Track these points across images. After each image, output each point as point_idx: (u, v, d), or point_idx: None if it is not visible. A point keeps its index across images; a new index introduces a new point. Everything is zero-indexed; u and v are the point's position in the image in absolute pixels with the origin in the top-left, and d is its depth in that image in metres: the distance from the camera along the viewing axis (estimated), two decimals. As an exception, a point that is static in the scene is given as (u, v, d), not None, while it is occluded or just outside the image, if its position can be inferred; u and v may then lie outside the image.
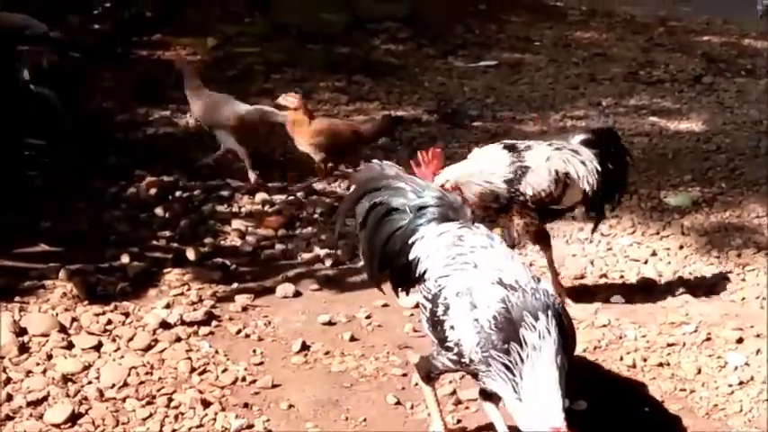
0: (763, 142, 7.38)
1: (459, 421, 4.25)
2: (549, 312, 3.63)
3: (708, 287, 5.39)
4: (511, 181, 4.83)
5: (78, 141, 6.81)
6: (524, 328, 3.60)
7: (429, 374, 4.00)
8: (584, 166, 4.94)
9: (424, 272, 3.92)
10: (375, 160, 4.31)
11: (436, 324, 3.80)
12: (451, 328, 3.74)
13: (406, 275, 4.02)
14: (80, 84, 7.54)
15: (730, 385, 4.50)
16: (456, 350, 3.73)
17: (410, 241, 3.99)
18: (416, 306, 4.84)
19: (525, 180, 4.83)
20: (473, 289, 3.74)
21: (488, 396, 3.96)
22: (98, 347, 4.64)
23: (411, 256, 3.97)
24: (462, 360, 3.72)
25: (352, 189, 4.29)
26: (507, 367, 3.61)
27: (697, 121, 7.84)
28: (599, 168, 4.97)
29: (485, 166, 4.86)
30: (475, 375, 3.76)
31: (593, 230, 5.54)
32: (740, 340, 4.82)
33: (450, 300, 3.77)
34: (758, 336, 4.86)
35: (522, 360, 3.58)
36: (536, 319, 3.61)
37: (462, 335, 3.70)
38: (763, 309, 5.18)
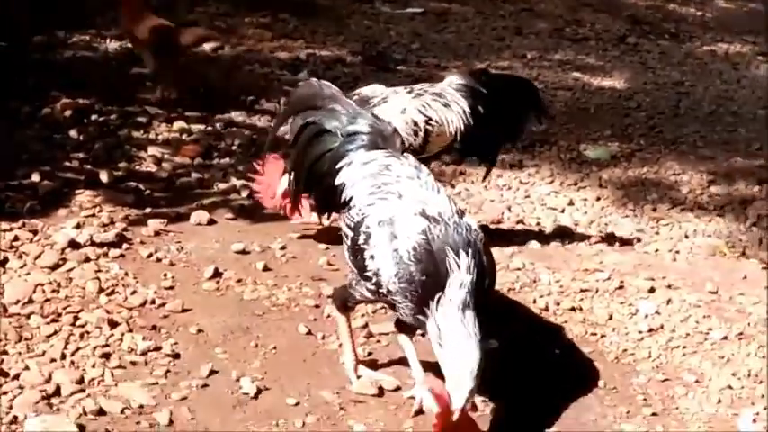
0: (682, 103, 7.45)
1: (369, 354, 4.22)
2: (470, 248, 3.61)
3: (622, 238, 5.43)
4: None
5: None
6: (444, 262, 3.59)
7: (345, 304, 3.98)
8: (447, 109, 4.87)
9: (349, 199, 3.88)
10: (314, 79, 4.25)
11: (356, 252, 3.77)
12: (371, 257, 3.72)
13: (329, 199, 3.97)
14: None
15: (640, 332, 4.53)
16: (374, 280, 3.71)
17: (337, 166, 3.95)
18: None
19: None
20: (395, 219, 3.72)
21: (403, 328, 3.94)
22: (3, 263, 4.52)
23: (337, 182, 3.93)
24: (380, 290, 3.70)
25: (287, 103, 4.23)
26: (423, 300, 3.59)
27: (619, 79, 7.87)
28: (469, 109, 4.91)
29: None
30: (392, 306, 3.73)
31: (485, 178, 5.49)
32: (652, 290, 4.85)
33: (371, 229, 3.74)
34: (669, 286, 4.90)
35: (440, 295, 3.57)
36: (457, 254, 3.59)
37: (381, 264, 3.67)
38: (676, 261, 5.23)
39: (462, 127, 4.89)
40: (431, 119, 4.82)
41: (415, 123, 4.82)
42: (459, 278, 3.57)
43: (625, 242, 5.38)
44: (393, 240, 3.68)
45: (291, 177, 4.15)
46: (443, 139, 4.90)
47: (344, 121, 4.01)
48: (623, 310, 4.69)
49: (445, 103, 4.87)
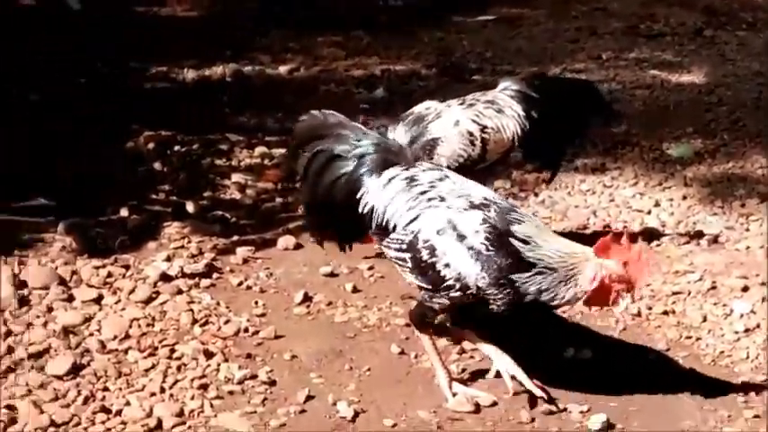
0: (764, 94, 7.31)
1: (463, 370, 4.22)
2: (526, 216, 3.78)
3: (712, 237, 5.35)
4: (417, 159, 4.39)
5: (75, 97, 6.75)
6: (513, 237, 3.68)
7: (424, 321, 4.00)
8: (501, 114, 4.84)
9: (386, 223, 3.89)
10: (315, 110, 4.25)
11: (426, 269, 3.79)
12: (446, 266, 3.75)
13: (353, 228, 4.01)
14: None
15: (736, 332, 4.48)
16: (458, 285, 3.73)
17: (358, 195, 3.96)
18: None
19: (436, 153, 4.71)
20: (452, 220, 3.75)
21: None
22: (98, 300, 4.60)
23: (363, 209, 3.94)
24: (468, 293, 3.72)
25: (293, 138, 4.24)
26: (513, 282, 3.69)
27: (698, 73, 7.76)
28: (524, 113, 4.86)
29: None
30: (485, 303, 3.74)
31: (549, 182, 5.46)
32: (745, 288, 4.79)
33: (432, 240, 3.77)
34: (763, 284, 4.83)
35: (528, 268, 3.69)
36: (520, 222, 3.73)
37: (462, 268, 3.71)
38: (768, 258, 5.16)
39: (519, 131, 4.87)
40: (486, 126, 4.79)
41: (471, 134, 4.80)
42: (531, 247, 3.68)
43: (715, 241, 5.31)
44: (463, 241, 3.71)
45: (307, 212, 4.18)
46: (501, 145, 4.86)
47: (352, 144, 4.02)
48: (717, 311, 4.64)
49: (499, 110, 4.85)
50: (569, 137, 5.17)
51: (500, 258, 3.68)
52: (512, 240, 3.69)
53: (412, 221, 3.82)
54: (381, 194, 3.91)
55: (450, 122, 4.80)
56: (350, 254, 4.98)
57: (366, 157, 3.99)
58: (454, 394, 4.02)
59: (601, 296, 3.81)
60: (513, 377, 3.95)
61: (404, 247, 3.84)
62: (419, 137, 4.73)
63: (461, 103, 4.87)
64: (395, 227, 3.87)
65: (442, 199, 3.82)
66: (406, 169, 3.96)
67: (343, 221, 4.04)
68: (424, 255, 3.78)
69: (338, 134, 4.06)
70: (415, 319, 4.03)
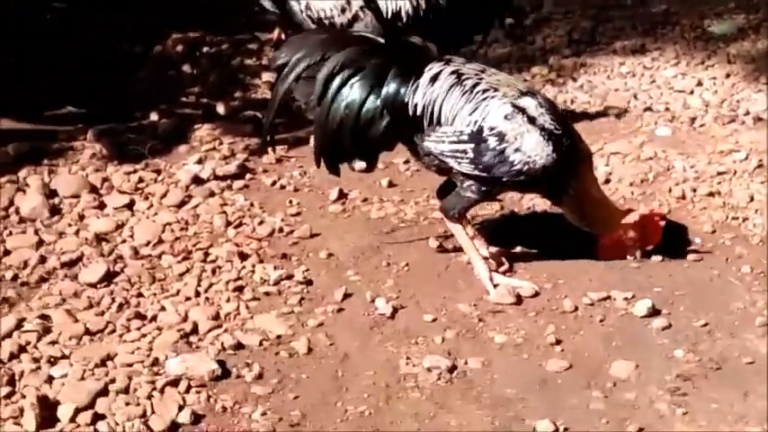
0: (809, -35, 7.08)
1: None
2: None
3: (757, 114, 5.19)
4: None
5: (100, 3, 6.63)
6: (566, 120, 3.89)
7: (464, 212, 3.94)
8: None
9: (441, 120, 3.80)
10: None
11: (493, 157, 3.76)
12: (516, 150, 3.77)
13: (384, 140, 3.89)
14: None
15: (785, 210, 4.35)
16: (526, 168, 3.77)
17: (400, 99, 3.82)
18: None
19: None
20: (519, 105, 3.76)
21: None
22: (130, 206, 4.55)
23: (413, 108, 3.81)
24: (536, 177, 3.80)
25: (287, 61, 3.90)
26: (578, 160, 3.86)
27: (740, -55, 7.52)
28: None
29: None
30: (544, 189, 3.95)
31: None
32: (793, 164, 4.65)
33: (500, 126, 3.75)
34: (811, 159, 4.68)
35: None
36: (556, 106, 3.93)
37: (533, 151, 3.77)
38: (817, 132, 4.99)
39: (411, 10, 4.73)
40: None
41: (348, 2, 4.73)
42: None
43: (760, 118, 5.14)
44: (532, 124, 3.75)
45: (328, 138, 3.90)
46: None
47: (360, 50, 3.86)
48: (764, 190, 4.49)
49: None
50: (475, 26, 5.00)
51: (566, 138, 3.80)
52: (568, 124, 3.86)
53: (474, 111, 3.78)
54: (431, 91, 3.81)
55: None
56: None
57: (395, 61, 3.84)
58: (495, 286, 3.92)
59: (615, 250, 4.04)
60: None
61: (464, 138, 3.79)
62: None
63: None
64: (452, 121, 3.80)
65: (496, 89, 3.80)
66: (446, 63, 3.85)
67: (372, 136, 3.87)
68: (492, 143, 3.76)
69: (345, 46, 3.87)
70: (453, 211, 3.92)
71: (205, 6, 6.70)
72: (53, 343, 3.68)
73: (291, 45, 3.99)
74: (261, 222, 4.42)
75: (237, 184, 4.71)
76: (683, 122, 5.14)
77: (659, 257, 4.07)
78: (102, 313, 3.85)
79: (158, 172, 4.80)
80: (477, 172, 3.82)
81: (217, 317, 3.83)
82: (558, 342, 3.66)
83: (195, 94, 5.63)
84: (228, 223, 4.42)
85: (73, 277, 4.06)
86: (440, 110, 3.81)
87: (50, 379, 3.48)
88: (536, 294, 3.90)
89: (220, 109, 5.38)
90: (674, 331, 3.70)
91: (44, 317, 3.81)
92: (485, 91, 3.79)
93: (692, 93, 5.45)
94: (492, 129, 3.76)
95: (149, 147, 5.01)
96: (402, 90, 3.81)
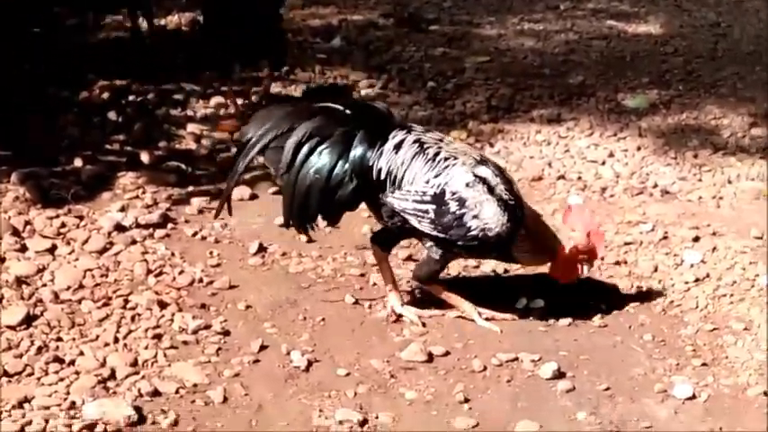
0: (720, 45, 7.36)
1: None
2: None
3: (665, 188, 5.39)
4: None
5: (29, 47, 6.67)
6: (515, 188, 4.12)
7: (436, 274, 4.17)
8: None
9: (400, 180, 4.01)
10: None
11: (452, 221, 3.98)
12: (474, 217, 3.98)
13: (349, 202, 4.10)
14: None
15: (686, 282, 4.53)
16: (481, 235, 4.00)
17: (364, 165, 4.03)
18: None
19: None
20: (479, 174, 3.99)
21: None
22: (52, 250, 4.59)
23: (377, 172, 4.01)
24: (489, 242, 4.03)
25: (252, 135, 4.13)
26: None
27: (655, 24, 7.79)
28: None
29: None
30: (501, 254, 4.17)
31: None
32: (696, 239, 4.85)
33: (461, 192, 3.97)
34: (714, 234, 4.89)
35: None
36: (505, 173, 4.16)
37: (489, 218, 3.99)
38: (719, 208, 5.20)
39: None
40: None
41: None
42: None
43: (667, 192, 5.35)
44: (490, 193, 3.98)
45: (295, 203, 4.09)
46: None
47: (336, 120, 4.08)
48: (668, 261, 4.69)
49: None
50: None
51: (518, 208, 4.04)
52: (516, 191, 4.09)
53: (437, 176, 3.99)
54: (396, 158, 4.02)
55: None
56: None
57: (360, 129, 4.05)
58: (487, 319, 4.19)
59: (567, 268, 4.24)
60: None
61: (427, 199, 3.99)
62: None
63: None
64: (414, 181, 4.01)
65: (455, 157, 4.02)
66: (408, 132, 4.08)
67: (339, 198, 4.06)
68: (453, 206, 3.97)
69: (311, 117, 4.07)
70: (424, 276, 4.17)
71: (132, 55, 6.79)
72: (-30, 383, 3.72)
73: (258, 119, 4.20)
74: (181, 272, 4.50)
75: (159, 233, 4.78)
76: (595, 192, 5.32)
77: (566, 322, 4.24)
78: (21, 355, 3.90)
79: (81, 218, 4.85)
80: (435, 233, 4.02)
81: (135, 363, 3.90)
82: (467, 400, 3.79)
83: (120, 141, 5.66)
84: (149, 271, 4.48)
85: (-8, 319, 4.11)
86: (403, 175, 4.01)
87: (-33, 419, 3.53)
88: (447, 353, 4.03)
89: (144, 158, 5.43)
90: (577, 394, 3.86)
91: (-38, 357, 3.85)
92: (446, 159, 4.00)
93: (603, 163, 5.64)
94: (453, 193, 3.98)
95: (73, 192, 5.05)
96: (368, 155, 4.02)
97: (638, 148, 5.83)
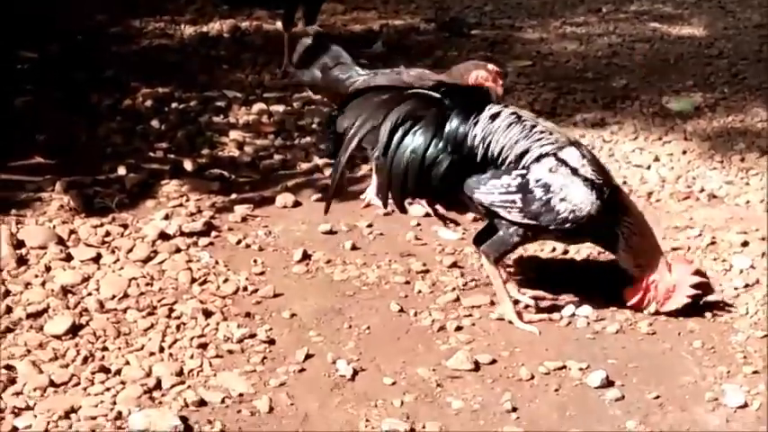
0: (765, 46, 7.27)
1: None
2: None
3: (712, 192, 5.33)
4: None
5: (72, 55, 6.72)
6: (608, 173, 4.22)
7: (503, 255, 4.22)
8: None
9: (495, 153, 4.09)
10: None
11: (540, 206, 4.06)
12: (562, 200, 4.05)
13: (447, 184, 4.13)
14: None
15: (736, 288, 4.48)
16: (572, 217, 4.06)
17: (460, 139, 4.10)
18: (426, 215, 4.93)
19: None
20: (561, 156, 4.08)
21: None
22: (97, 259, 4.60)
23: (472, 141, 4.09)
24: (582, 222, 4.07)
25: (352, 123, 4.20)
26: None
27: (698, 26, 7.72)
28: None
29: None
30: (590, 237, 4.24)
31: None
32: (745, 243, 4.78)
33: (545, 177, 4.06)
34: (763, 239, 4.82)
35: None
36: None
37: (578, 200, 4.05)
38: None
39: None
40: None
41: None
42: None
43: (714, 196, 5.29)
44: (576, 175, 4.04)
45: (396, 182, 4.16)
46: None
47: (420, 103, 4.13)
48: (717, 267, 4.63)
49: None
50: None
51: (606, 187, 4.10)
52: (606, 170, 4.20)
53: (523, 155, 4.06)
54: (490, 126, 4.09)
55: None
56: (348, 211, 5.04)
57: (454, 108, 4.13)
58: (527, 322, 4.19)
59: (641, 297, 4.27)
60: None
61: (512, 189, 4.05)
62: None
63: None
64: (505, 161, 4.08)
65: (551, 133, 4.15)
66: (505, 106, 4.22)
67: (437, 176, 4.12)
68: (538, 193, 4.04)
69: (405, 101, 4.14)
70: (495, 254, 4.17)
71: (175, 63, 6.81)
72: (17, 394, 3.73)
73: (353, 108, 4.26)
74: (225, 280, 4.49)
75: (203, 241, 4.78)
76: (641, 197, 5.26)
77: (614, 329, 4.19)
78: (67, 365, 3.90)
79: (125, 226, 4.85)
80: (526, 220, 4.09)
81: (180, 373, 3.90)
82: (514, 409, 3.76)
83: (163, 149, 5.67)
84: (194, 280, 4.48)
85: (38, 328, 4.11)
86: (498, 145, 4.08)
87: (14, 430, 3.54)
88: (493, 362, 4.00)
89: (187, 165, 5.44)
90: (626, 403, 3.81)
91: (9, 367, 3.85)
92: (541, 132, 4.10)
93: (649, 168, 5.59)
94: (537, 180, 4.05)
95: (117, 201, 5.07)
96: (462, 129, 4.09)
97: (684, 152, 5.76)
